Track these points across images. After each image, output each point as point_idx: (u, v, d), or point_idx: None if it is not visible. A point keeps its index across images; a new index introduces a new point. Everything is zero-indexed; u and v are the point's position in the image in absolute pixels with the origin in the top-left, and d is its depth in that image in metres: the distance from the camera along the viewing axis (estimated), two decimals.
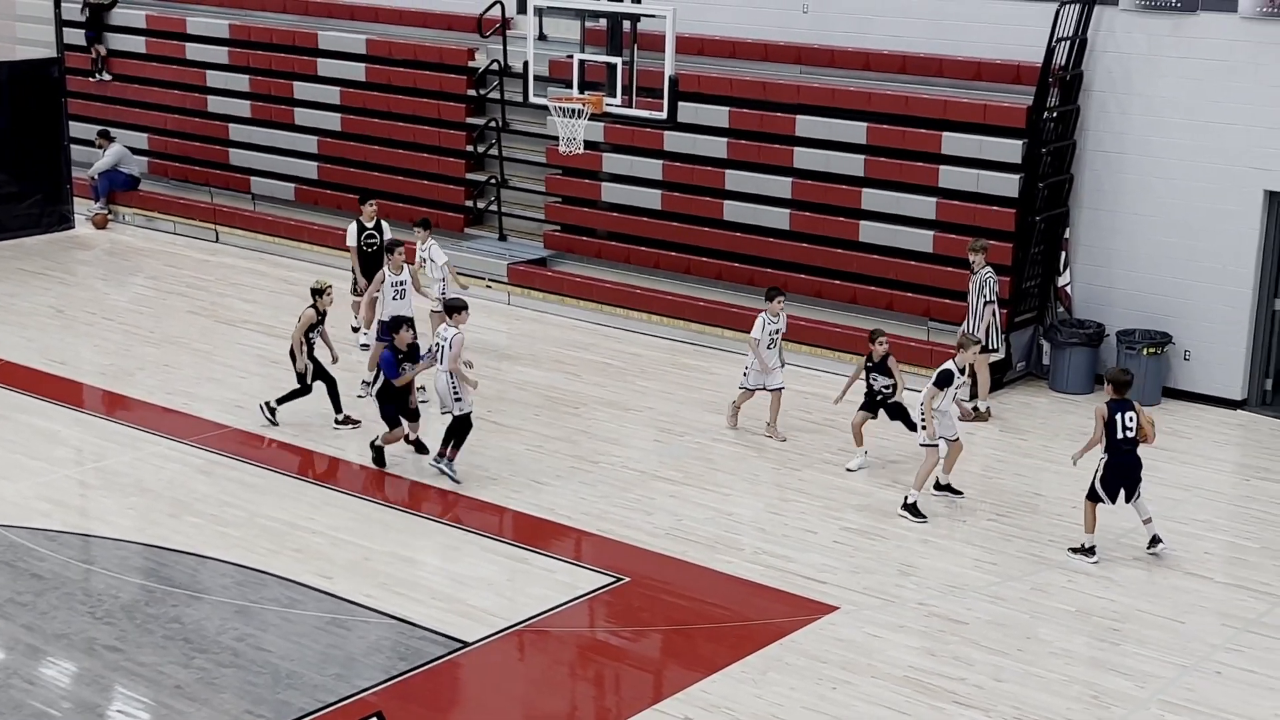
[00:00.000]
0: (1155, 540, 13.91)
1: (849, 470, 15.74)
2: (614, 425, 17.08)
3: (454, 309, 15.54)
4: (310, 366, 16.58)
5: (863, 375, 15.95)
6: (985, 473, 15.99)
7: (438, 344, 15.43)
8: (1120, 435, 13.64)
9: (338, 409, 16.77)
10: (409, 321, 15.81)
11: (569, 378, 18.56)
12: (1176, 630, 12.64)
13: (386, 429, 15.70)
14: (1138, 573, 13.68)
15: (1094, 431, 13.79)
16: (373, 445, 15.76)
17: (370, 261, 18.81)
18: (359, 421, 16.69)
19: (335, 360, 16.91)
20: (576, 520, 14.60)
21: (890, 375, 15.74)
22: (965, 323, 17.61)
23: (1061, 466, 15.99)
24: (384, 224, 19.22)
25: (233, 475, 15.55)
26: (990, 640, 12.39)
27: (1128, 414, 13.68)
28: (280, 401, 16.71)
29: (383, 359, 15.64)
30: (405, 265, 17.64)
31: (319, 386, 16.72)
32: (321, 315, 16.64)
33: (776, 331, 16.66)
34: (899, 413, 15.84)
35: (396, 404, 15.68)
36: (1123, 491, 13.76)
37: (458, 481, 15.25)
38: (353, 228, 19.17)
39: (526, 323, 20.85)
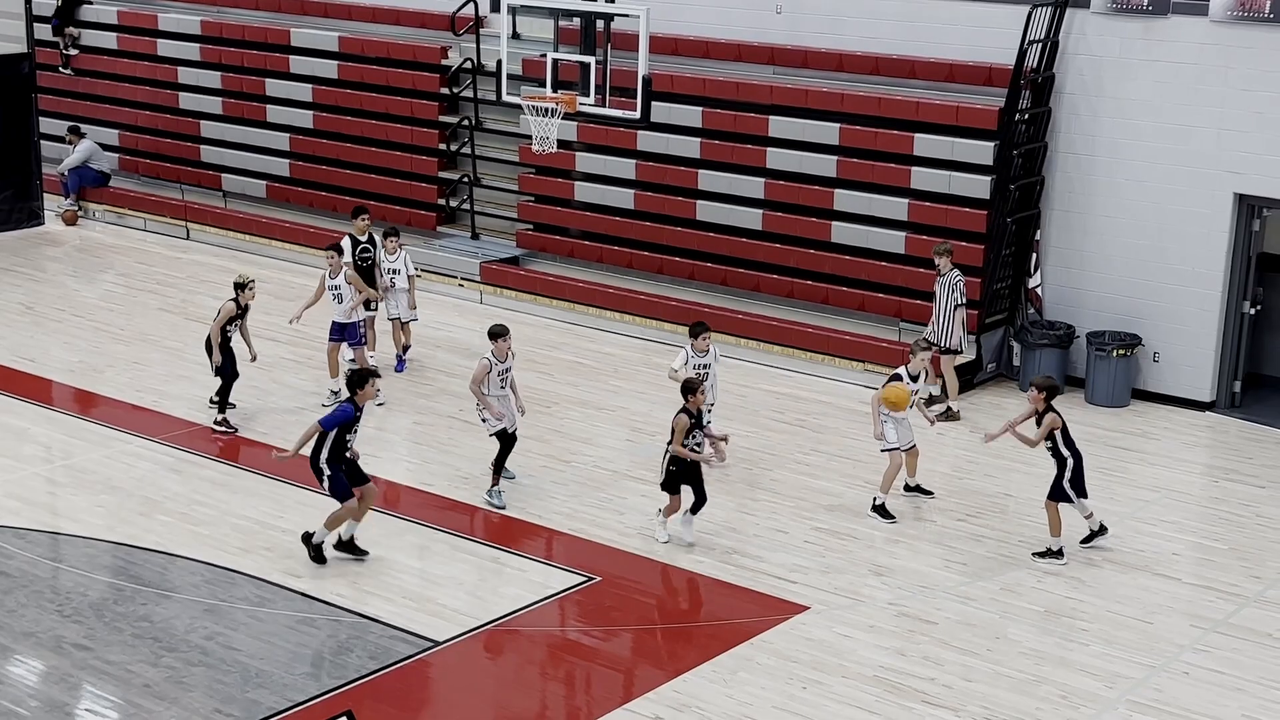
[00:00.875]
0: (1103, 529, 14.18)
1: (660, 541, 14.04)
2: (586, 425, 17.08)
3: (492, 335, 14.96)
4: (221, 360, 16.35)
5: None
6: (955, 473, 16.04)
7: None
8: (1070, 437, 13.91)
9: (221, 408, 16.52)
10: (376, 375, 13.81)
11: (541, 377, 18.53)
12: (1145, 631, 12.70)
13: (335, 503, 13.40)
14: (1106, 573, 13.74)
15: (1037, 435, 13.87)
16: (308, 540, 13.51)
17: (365, 276, 18.01)
18: (236, 429, 16.48)
19: (253, 359, 16.72)
20: (548, 519, 14.59)
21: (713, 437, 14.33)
22: (931, 325, 17.65)
23: (1032, 467, 16.06)
24: (376, 237, 18.43)
25: (203, 473, 15.49)
26: (960, 640, 12.43)
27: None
28: (221, 409, 16.50)
29: (340, 412, 13.28)
30: (344, 269, 17.31)
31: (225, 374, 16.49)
32: (242, 310, 16.48)
33: (704, 367, 15.16)
34: (695, 479, 13.93)
35: (349, 471, 13.40)
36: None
37: (501, 507, 14.73)
38: (345, 243, 18.17)
39: (499, 322, 20.77)
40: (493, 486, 14.88)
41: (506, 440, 14.80)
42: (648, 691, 11.54)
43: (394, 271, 18.35)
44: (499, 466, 14.87)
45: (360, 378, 13.43)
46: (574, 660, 12.23)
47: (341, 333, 17.41)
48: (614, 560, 13.77)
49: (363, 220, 18.56)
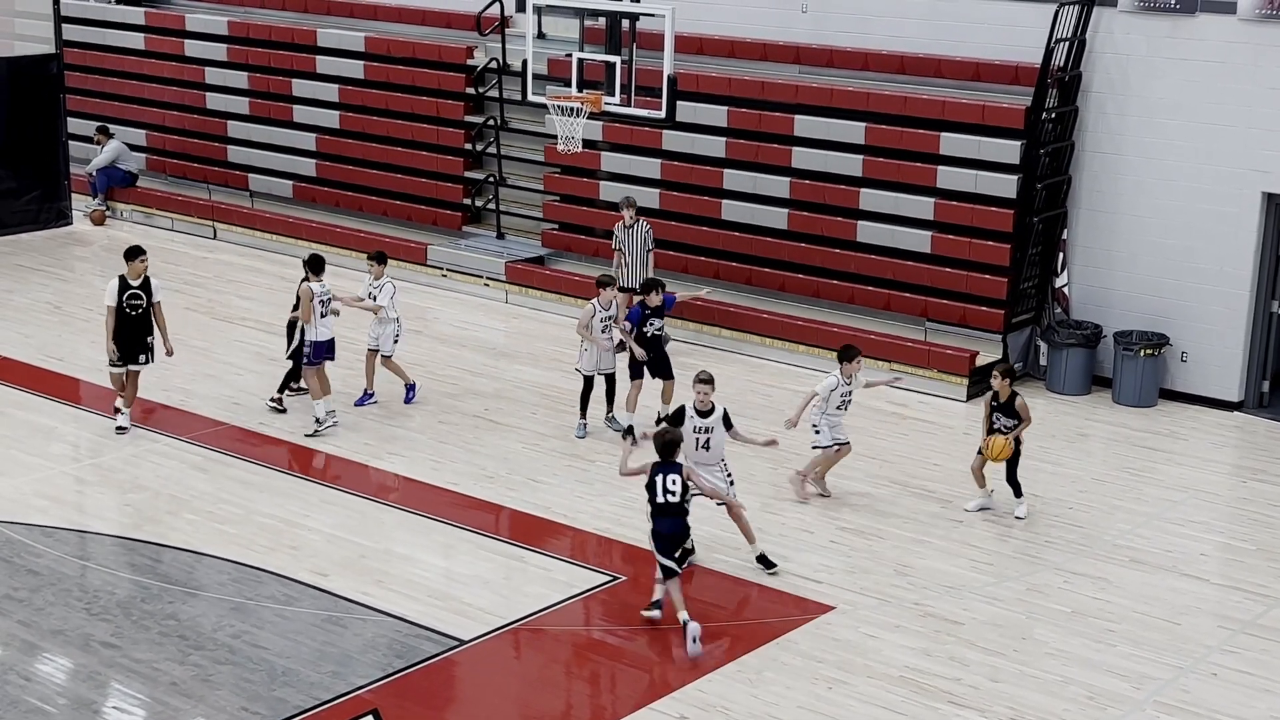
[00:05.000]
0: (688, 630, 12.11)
1: (966, 510, 14.83)
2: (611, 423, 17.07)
3: (599, 283, 16.65)
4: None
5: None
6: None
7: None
8: (661, 499, 12.29)
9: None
10: (660, 285, 16.50)
11: (566, 376, 18.52)
12: (1172, 631, 12.65)
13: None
14: (1134, 574, 13.69)
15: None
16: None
17: (134, 328, 16.12)
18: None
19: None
20: (573, 519, 14.60)
21: (1016, 417, 14.68)
22: (629, 272, 18.69)
23: (1058, 467, 16.03)
24: (152, 282, 16.31)
25: (230, 472, 15.54)
26: (986, 641, 12.40)
27: (670, 476, 12.30)
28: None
29: (631, 313, 16.49)
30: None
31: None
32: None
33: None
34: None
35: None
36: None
37: (581, 437, 16.57)
38: (112, 285, 16.18)
39: (524, 321, 20.85)
40: (580, 420, 16.61)
41: (588, 382, 16.54)
42: (673, 691, 11.54)
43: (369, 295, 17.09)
44: (584, 403, 16.58)
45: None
46: (599, 660, 12.23)
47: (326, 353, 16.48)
48: (639, 559, 13.75)
49: (140, 263, 16.21)
